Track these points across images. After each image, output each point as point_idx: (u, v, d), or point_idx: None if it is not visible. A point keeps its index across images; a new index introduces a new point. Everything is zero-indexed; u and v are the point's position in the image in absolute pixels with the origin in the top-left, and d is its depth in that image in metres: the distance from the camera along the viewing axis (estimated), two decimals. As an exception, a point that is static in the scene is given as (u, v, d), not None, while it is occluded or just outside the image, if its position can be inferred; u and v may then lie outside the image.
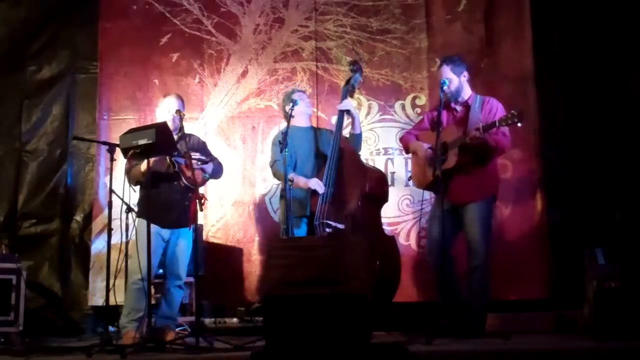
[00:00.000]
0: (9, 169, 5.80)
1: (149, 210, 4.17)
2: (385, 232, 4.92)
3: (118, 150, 4.09)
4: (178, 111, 4.42)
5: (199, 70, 5.81)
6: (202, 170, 4.47)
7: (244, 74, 5.80)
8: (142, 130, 4.06)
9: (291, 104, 4.62)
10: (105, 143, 4.15)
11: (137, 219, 4.35)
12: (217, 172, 4.66)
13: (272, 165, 4.78)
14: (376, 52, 5.69)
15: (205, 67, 5.81)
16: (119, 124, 5.61)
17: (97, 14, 5.88)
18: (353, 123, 4.79)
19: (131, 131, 4.13)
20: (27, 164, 5.79)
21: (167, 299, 4.52)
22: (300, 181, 4.61)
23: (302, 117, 4.78)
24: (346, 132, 4.93)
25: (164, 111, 4.59)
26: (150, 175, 4.16)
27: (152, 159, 4.16)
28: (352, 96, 4.85)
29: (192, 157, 4.34)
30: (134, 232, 4.31)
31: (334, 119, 5.04)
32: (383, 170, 5.47)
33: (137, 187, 4.45)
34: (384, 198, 4.78)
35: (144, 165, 4.23)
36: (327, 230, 4.45)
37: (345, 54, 5.69)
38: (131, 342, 4.04)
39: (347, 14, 5.75)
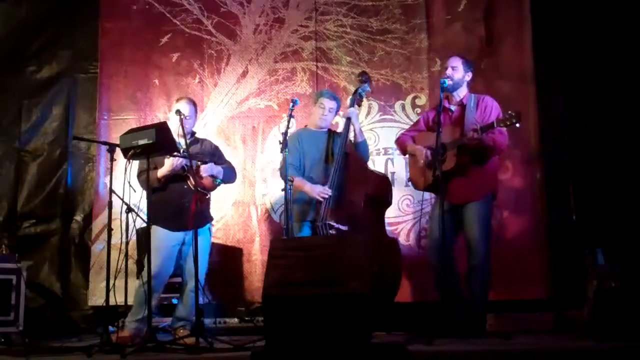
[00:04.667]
0: (9, 169, 5.80)
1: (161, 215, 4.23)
2: (388, 233, 4.93)
3: (118, 150, 4.09)
4: (178, 111, 4.41)
5: (199, 70, 5.81)
6: (213, 176, 4.50)
7: (244, 74, 5.80)
8: (142, 130, 4.05)
9: (291, 104, 4.62)
10: (105, 143, 4.14)
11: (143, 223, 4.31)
12: (230, 176, 4.70)
13: (283, 168, 4.64)
14: (376, 52, 5.69)
15: (205, 67, 5.81)
16: (119, 124, 5.62)
17: (97, 14, 5.90)
18: (354, 132, 4.74)
19: (131, 131, 4.12)
20: (27, 164, 5.80)
21: (183, 301, 4.56)
22: (305, 186, 4.59)
23: (319, 121, 4.77)
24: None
25: (174, 115, 4.60)
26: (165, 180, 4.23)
27: (168, 165, 4.25)
28: (359, 104, 4.88)
29: (196, 158, 4.36)
30: (133, 232, 4.28)
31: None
32: (383, 170, 5.48)
33: (140, 190, 4.44)
34: (387, 201, 4.83)
35: (161, 171, 4.28)
36: (331, 231, 4.46)
37: (345, 54, 5.69)
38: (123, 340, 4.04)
39: (347, 14, 5.75)
